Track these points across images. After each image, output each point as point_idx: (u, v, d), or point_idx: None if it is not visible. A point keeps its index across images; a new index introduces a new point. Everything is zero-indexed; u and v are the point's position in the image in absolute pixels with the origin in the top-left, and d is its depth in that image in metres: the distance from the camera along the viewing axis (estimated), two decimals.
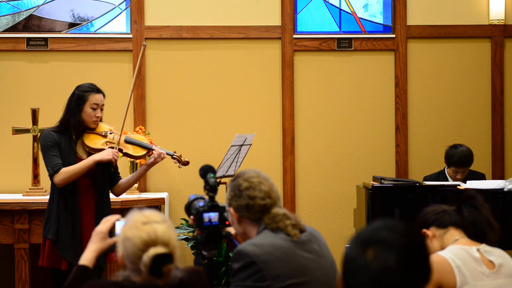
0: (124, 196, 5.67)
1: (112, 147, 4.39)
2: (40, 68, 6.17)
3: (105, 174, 4.45)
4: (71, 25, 6.28)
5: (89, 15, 6.30)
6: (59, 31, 6.25)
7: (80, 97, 4.37)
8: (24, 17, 6.25)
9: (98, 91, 4.42)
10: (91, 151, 4.39)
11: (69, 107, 4.39)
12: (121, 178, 4.56)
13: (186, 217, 5.37)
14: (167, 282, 2.39)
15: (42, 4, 6.25)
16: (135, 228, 2.39)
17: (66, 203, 4.34)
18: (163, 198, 5.78)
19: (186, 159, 4.73)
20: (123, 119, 4.48)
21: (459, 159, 5.48)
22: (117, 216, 2.77)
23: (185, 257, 5.96)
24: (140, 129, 5.88)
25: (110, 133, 4.45)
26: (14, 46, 6.15)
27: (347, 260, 1.72)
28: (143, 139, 4.64)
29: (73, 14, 6.29)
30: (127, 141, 4.53)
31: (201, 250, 2.87)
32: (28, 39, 6.14)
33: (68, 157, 4.34)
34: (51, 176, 4.33)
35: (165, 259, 2.36)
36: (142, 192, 6.10)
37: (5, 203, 5.39)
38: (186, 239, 5.72)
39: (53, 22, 6.27)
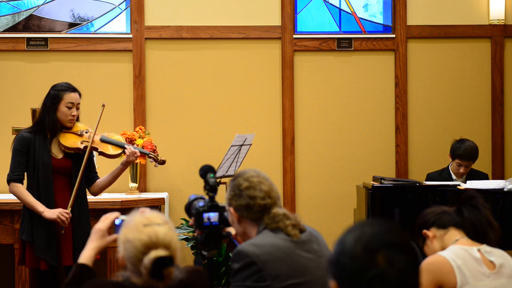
0: (124, 196, 5.69)
1: (85, 149, 4.39)
2: (40, 68, 6.17)
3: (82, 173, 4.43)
4: (71, 25, 6.27)
5: (89, 15, 6.30)
6: (59, 31, 6.24)
7: (55, 96, 4.37)
8: (24, 17, 6.25)
9: (74, 90, 4.41)
10: (66, 150, 4.39)
11: (44, 106, 4.39)
12: (98, 178, 4.56)
13: (186, 217, 5.37)
14: (167, 284, 2.37)
15: (42, 4, 6.25)
16: (136, 230, 2.36)
17: (41, 202, 4.34)
18: (163, 198, 5.78)
19: (162, 158, 4.76)
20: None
21: (464, 151, 5.52)
22: (116, 214, 2.75)
23: (185, 257, 5.96)
24: (140, 129, 5.87)
25: (86, 132, 4.44)
26: (14, 46, 6.15)
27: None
28: (119, 138, 4.63)
29: (73, 14, 6.29)
30: (103, 140, 4.53)
31: (201, 250, 2.86)
32: (28, 39, 6.14)
33: (42, 157, 4.34)
34: (8, 182, 4.39)
35: (166, 262, 2.33)
36: (142, 192, 6.10)
37: (5, 203, 5.39)
38: (186, 239, 5.72)
39: (53, 22, 6.27)
